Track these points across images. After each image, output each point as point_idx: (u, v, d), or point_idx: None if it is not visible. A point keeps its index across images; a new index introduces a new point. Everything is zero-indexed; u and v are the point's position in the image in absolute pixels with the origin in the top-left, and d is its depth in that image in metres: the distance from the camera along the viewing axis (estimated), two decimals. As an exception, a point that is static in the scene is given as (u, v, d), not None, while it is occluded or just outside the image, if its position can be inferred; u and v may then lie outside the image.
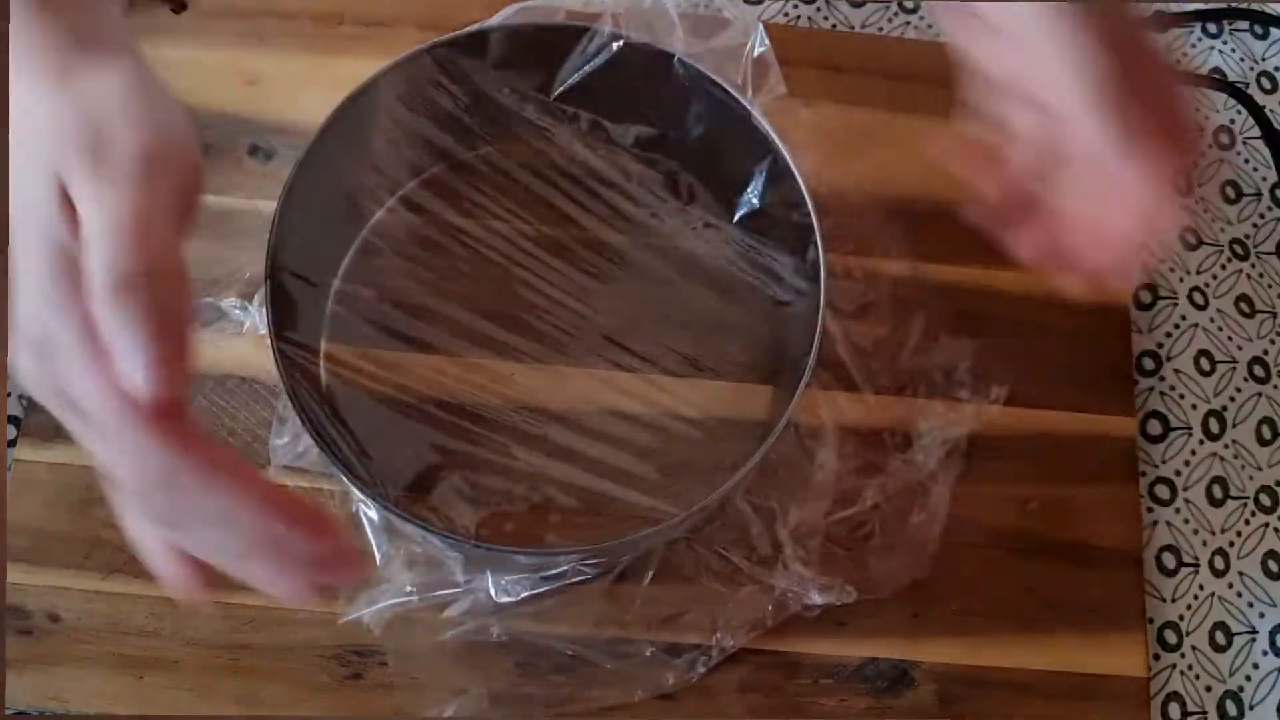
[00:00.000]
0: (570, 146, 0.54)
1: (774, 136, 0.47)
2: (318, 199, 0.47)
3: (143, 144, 0.32)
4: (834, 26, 0.60)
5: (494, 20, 0.49)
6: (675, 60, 0.49)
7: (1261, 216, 0.58)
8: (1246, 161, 0.59)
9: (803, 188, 0.46)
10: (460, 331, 0.51)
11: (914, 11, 0.61)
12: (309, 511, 0.32)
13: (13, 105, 0.34)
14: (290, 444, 0.48)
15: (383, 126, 0.48)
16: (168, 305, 0.31)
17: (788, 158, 0.47)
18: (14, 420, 0.50)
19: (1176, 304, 0.56)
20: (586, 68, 0.50)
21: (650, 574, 0.48)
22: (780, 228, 0.51)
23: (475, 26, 0.49)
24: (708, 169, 0.53)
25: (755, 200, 0.52)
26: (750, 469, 0.43)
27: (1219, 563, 0.52)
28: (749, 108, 0.48)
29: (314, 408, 0.44)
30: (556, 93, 0.51)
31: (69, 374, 0.31)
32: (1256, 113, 0.59)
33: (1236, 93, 0.60)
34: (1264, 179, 0.59)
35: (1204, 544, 0.52)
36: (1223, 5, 0.62)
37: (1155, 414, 0.54)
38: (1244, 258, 0.57)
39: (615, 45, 0.49)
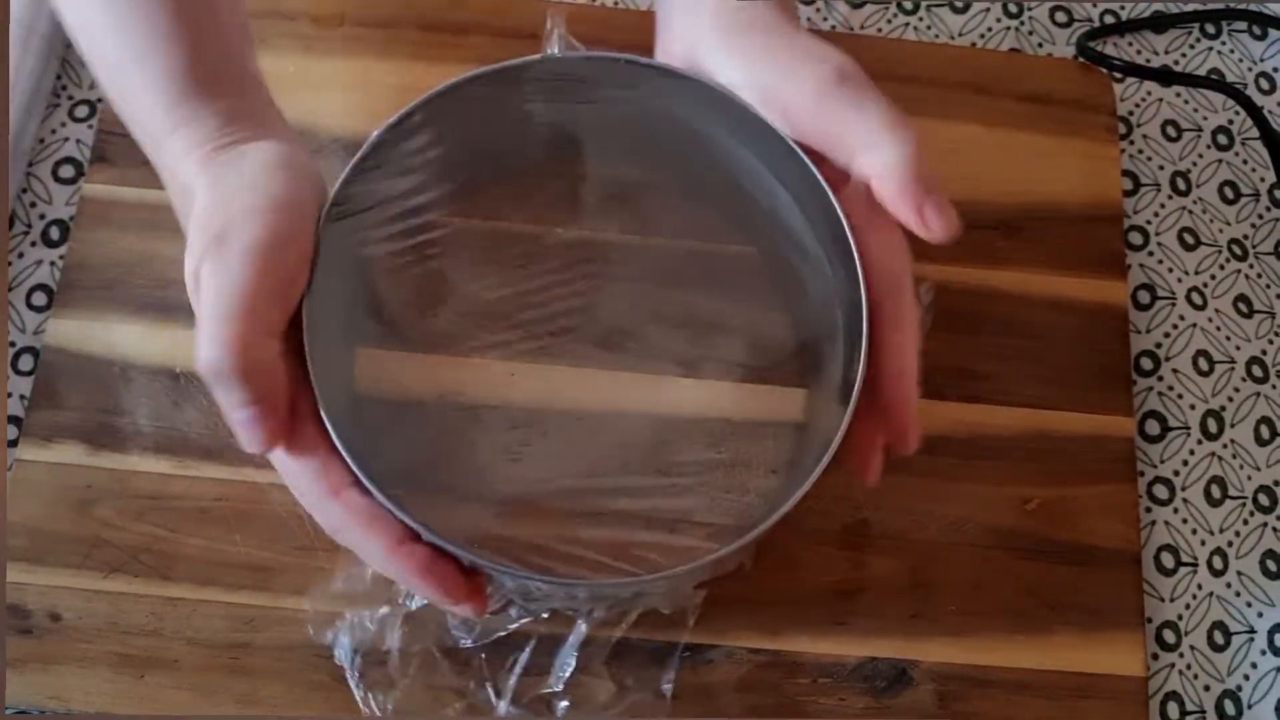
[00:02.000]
0: (590, 154, 0.53)
1: (792, 143, 0.46)
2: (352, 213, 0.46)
3: (257, 237, 0.38)
4: (833, 28, 0.60)
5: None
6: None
7: (1260, 217, 0.58)
8: (1245, 162, 0.59)
9: (834, 203, 0.44)
10: (462, 331, 0.51)
11: (913, 13, 0.61)
12: (436, 572, 0.39)
13: (171, 180, 0.42)
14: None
15: (415, 149, 0.47)
16: (255, 382, 0.37)
17: (811, 167, 0.45)
18: (15, 420, 0.50)
19: (1175, 304, 0.56)
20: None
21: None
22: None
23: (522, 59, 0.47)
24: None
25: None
26: (813, 482, 0.41)
27: (1217, 562, 0.52)
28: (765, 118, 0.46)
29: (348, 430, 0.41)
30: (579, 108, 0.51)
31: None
32: (1255, 113, 0.59)
33: (1235, 93, 0.60)
34: (1262, 179, 0.59)
35: (1202, 544, 0.53)
36: (1221, 6, 0.62)
37: (1153, 414, 0.54)
38: (1242, 258, 0.57)
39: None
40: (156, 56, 0.41)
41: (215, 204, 0.39)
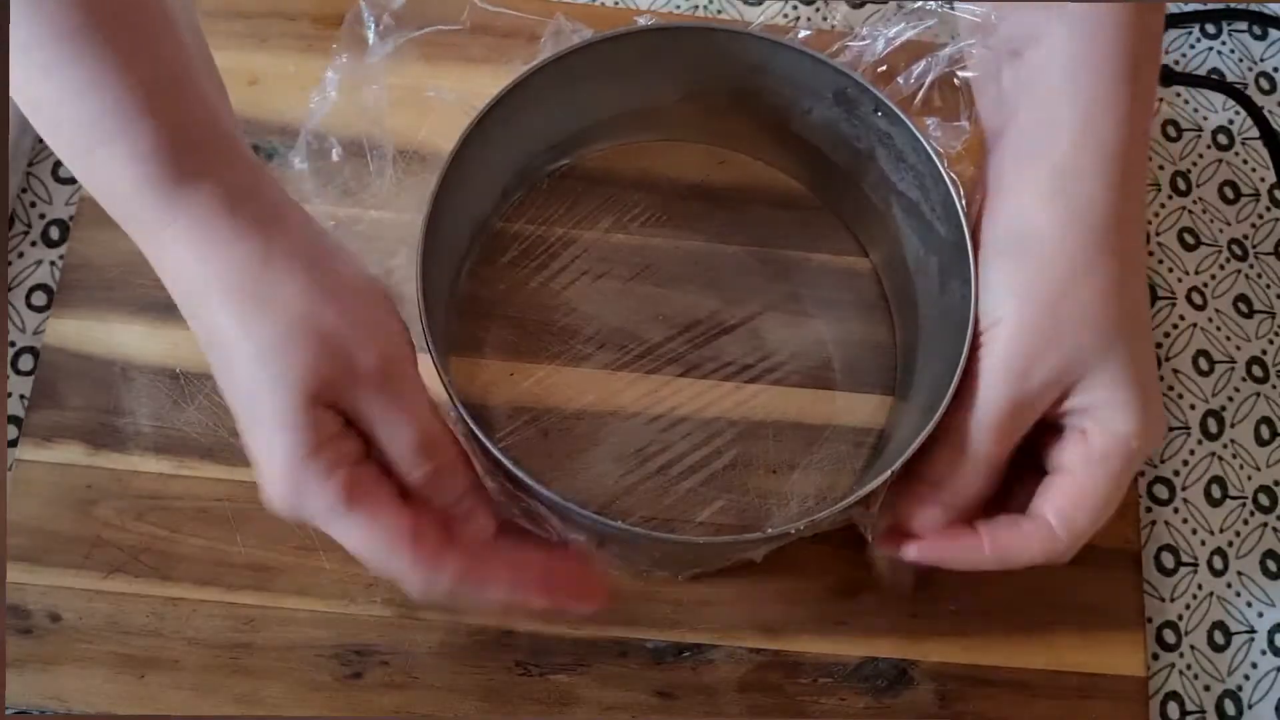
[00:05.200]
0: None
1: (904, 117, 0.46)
2: (446, 220, 0.45)
3: (378, 356, 0.37)
4: (833, 28, 0.60)
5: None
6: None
7: (1260, 217, 0.58)
8: (1245, 162, 0.59)
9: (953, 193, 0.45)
10: (470, 333, 0.51)
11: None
12: (574, 584, 0.41)
13: (212, 328, 0.37)
14: None
15: (492, 144, 0.47)
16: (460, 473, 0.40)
17: (920, 138, 0.46)
18: (15, 420, 0.50)
19: (1175, 304, 0.56)
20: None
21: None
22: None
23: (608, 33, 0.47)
24: None
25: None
26: (896, 471, 0.42)
27: (1217, 562, 0.52)
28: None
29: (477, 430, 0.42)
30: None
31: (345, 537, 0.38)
32: (1255, 113, 0.59)
33: (1235, 93, 0.60)
34: (1262, 179, 0.59)
35: (1202, 543, 0.53)
36: (1221, 6, 0.62)
37: (1154, 414, 0.54)
38: (1242, 258, 0.57)
39: None
40: (129, 135, 0.35)
41: (293, 340, 0.36)
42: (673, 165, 0.55)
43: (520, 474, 0.40)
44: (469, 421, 0.41)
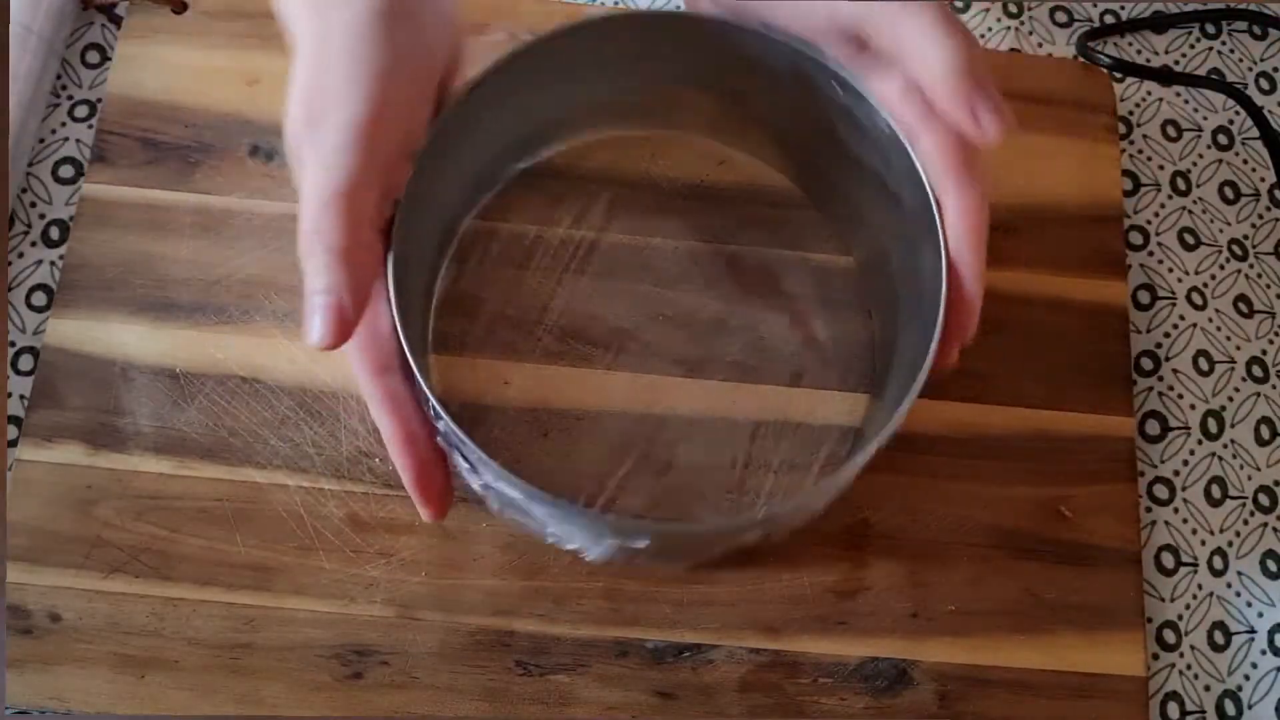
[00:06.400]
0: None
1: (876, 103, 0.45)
2: (419, 213, 0.45)
3: (355, 115, 0.36)
4: (833, 27, 0.60)
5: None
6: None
7: (1260, 217, 0.58)
8: (1245, 162, 0.59)
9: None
10: (471, 333, 0.51)
11: (913, 12, 0.61)
12: (420, 473, 0.41)
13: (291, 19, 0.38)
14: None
15: (468, 135, 0.47)
16: (342, 274, 0.37)
17: (877, 107, 0.45)
18: (15, 420, 0.50)
19: (1175, 304, 0.56)
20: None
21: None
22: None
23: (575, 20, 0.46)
24: None
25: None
26: (852, 472, 0.43)
27: (1217, 562, 0.52)
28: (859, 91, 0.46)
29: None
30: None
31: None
32: (1255, 113, 0.59)
33: (1235, 93, 0.60)
34: (1262, 179, 0.59)
35: (1202, 544, 0.53)
36: (1221, 6, 0.62)
37: (1154, 414, 0.54)
38: (1242, 258, 0.57)
39: None
40: None
41: (316, 68, 0.37)
42: (673, 164, 0.55)
43: (503, 470, 0.40)
44: (445, 418, 0.40)
